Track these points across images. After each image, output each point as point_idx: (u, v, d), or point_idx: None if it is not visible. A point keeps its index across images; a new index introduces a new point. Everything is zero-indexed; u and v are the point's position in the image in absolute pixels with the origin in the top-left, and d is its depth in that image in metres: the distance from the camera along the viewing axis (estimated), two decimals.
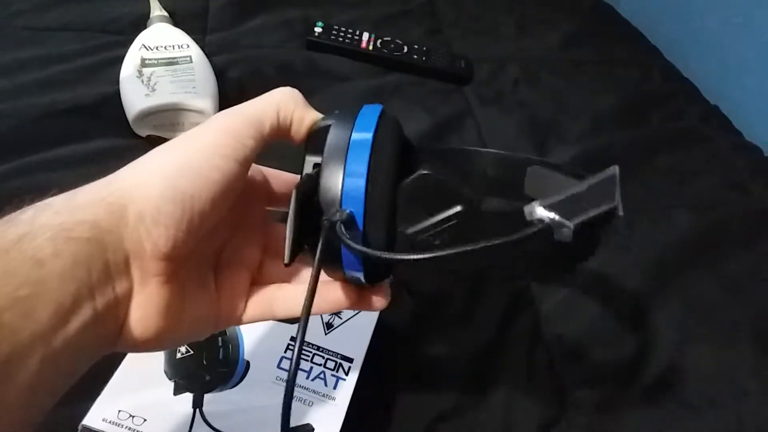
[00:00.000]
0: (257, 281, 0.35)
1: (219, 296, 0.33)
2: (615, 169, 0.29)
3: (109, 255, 0.26)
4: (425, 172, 0.31)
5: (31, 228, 0.24)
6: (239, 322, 0.34)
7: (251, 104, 0.32)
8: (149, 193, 0.27)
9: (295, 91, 0.33)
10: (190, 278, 0.30)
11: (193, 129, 0.30)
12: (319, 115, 0.33)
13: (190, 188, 0.27)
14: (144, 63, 0.66)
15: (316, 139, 0.31)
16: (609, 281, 0.62)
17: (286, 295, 0.34)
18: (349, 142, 0.30)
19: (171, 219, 0.27)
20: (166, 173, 0.28)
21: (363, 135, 0.30)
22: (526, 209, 0.27)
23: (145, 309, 0.28)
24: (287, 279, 0.35)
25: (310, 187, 0.30)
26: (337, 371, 0.47)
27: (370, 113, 0.32)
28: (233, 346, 0.46)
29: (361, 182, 0.29)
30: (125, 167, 0.29)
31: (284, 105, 0.32)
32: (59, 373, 0.25)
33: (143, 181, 0.27)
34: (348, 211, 0.29)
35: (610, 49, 0.98)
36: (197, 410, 0.42)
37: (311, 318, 0.35)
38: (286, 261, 0.28)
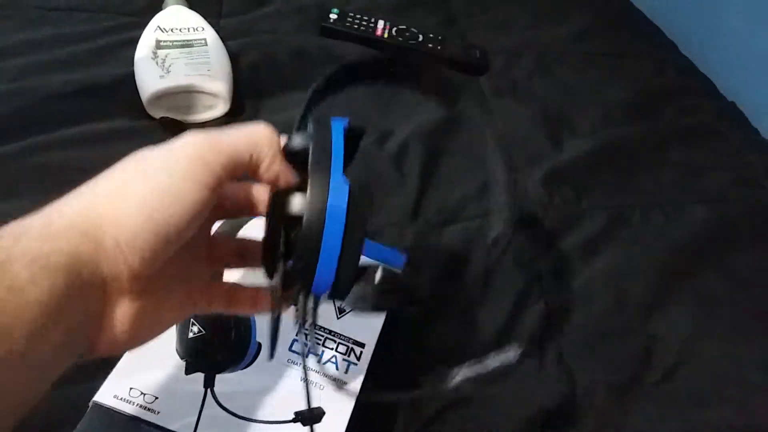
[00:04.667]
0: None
1: (186, 295, 0.34)
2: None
3: (85, 279, 0.27)
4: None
5: (9, 255, 0.25)
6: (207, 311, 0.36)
7: (228, 137, 0.32)
8: (125, 220, 0.28)
9: (274, 134, 0.33)
10: (159, 288, 0.31)
11: (167, 152, 0.30)
12: (286, 170, 0.33)
13: (164, 215, 0.28)
14: (159, 45, 0.66)
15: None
16: (620, 274, 0.62)
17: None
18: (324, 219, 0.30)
19: (146, 243, 0.28)
20: (142, 200, 0.28)
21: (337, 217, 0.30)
22: None
23: (118, 322, 0.29)
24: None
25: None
26: (348, 356, 0.47)
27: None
28: (245, 327, 0.46)
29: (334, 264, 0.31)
30: (100, 189, 0.29)
31: (259, 149, 0.32)
32: (32, 385, 0.26)
33: (119, 209, 0.28)
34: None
35: (624, 42, 0.97)
36: (208, 390, 0.42)
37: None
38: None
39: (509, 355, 0.39)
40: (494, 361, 0.39)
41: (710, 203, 0.71)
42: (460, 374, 0.39)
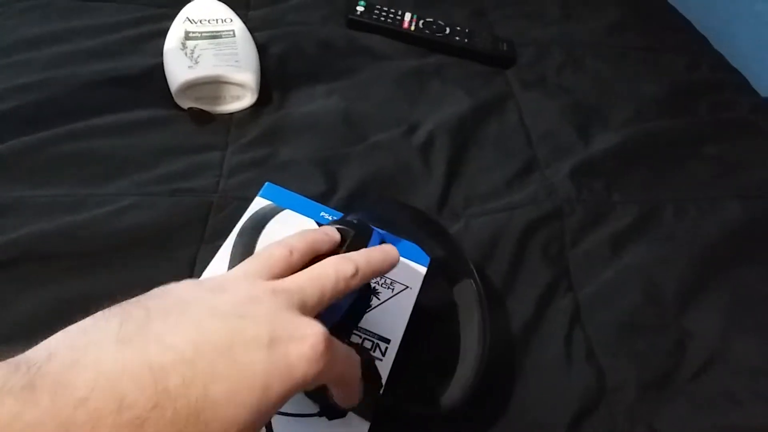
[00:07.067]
0: None
1: None
2: None
3: None
4: None
5: None
6: None
7: None
8: None
9: None
10: None
11: None
12: None
13: None
14: (188, 36, 0.66)
15: None
16: (653, 268, 0.61)
17: None
18: None
19: None
20: None
21: None
22: None
23: None
24: None
25: None
26: (374, 351, 0.47)
27: None
28: None
29: None
30: None
31: None
32: None
33: None
34: None
35: (656, 36, 0.95)
36: None
37: None
38: None
39: None
40: None
41: (746, 199, 0.70)
42: None
